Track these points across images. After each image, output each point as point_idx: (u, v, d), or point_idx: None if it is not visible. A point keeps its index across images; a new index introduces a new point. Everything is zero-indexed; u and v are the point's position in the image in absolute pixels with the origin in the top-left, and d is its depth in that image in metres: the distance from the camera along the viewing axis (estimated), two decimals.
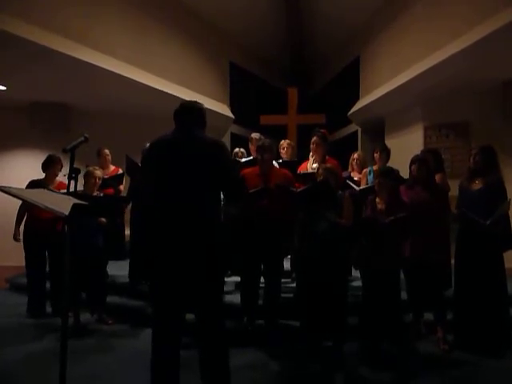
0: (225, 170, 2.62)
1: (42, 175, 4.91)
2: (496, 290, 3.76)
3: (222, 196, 2.80)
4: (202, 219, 2.51)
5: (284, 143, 5.34)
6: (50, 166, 4.87)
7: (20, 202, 4.50)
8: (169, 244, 2.51)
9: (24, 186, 4.54)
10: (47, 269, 4.91)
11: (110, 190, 5.32)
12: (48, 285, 4.92)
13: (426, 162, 3.93)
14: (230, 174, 2.67)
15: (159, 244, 2.55)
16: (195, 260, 2.48)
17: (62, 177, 5.14)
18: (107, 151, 6.10)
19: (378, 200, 3.81)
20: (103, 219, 4.41)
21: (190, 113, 2.70)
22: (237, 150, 5.59)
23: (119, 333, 4.30)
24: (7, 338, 4.15)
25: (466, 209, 3.78)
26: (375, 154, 5.13)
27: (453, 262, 3.98)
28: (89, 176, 4.45)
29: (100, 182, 4.55)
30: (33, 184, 4.74)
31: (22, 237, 4.88)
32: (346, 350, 3.66)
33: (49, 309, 4.87)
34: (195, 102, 2.80)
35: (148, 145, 2.76)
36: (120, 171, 6.18)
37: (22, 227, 4.93)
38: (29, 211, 4.80)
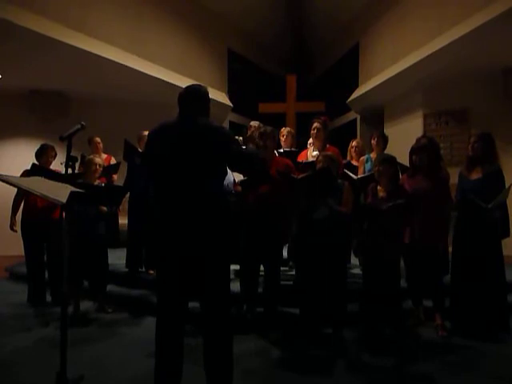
0: (236, 154, 2.63)
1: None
2: (494, 276, 3.78)
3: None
4: (208, 207, 2.47)
5: (284, 131, 5.31)
6: (42, 154, 4.84)
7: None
8: (174, 231, 2.47)
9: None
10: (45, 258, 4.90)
11: (103, 179, 5.29)
12: (47, 274, 4.90)
13: (427, 151, 3.90)
14: (242, 155, 2.72)
15: (164, 232, 2.51)
16: (201, 247, 2.45)
17: (59, 165, 5.13)
18: (98, 139, 6.05)
19: (379, 188, 3.81)
20: (104, 207, 4.39)
21: (195, 98, 2.63)
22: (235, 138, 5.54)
23: (119, 321, 4.31)
24: (8, 327, 4.15)
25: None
26: (372, 141, 5.12)
27: (450, 249, 3.99)
28: (89, 164, 4.42)
29: (101, 169, 4.51)
30: (35, 168, 4.63)
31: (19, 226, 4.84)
32: (345, 337, 3.69)
33: (49, 298, 4.87)
34: (199, 85, 2.71)
35: (150, 131, 2.71)
36: (113, 159, 6.13)
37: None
38: (25, 200, 4.77)
